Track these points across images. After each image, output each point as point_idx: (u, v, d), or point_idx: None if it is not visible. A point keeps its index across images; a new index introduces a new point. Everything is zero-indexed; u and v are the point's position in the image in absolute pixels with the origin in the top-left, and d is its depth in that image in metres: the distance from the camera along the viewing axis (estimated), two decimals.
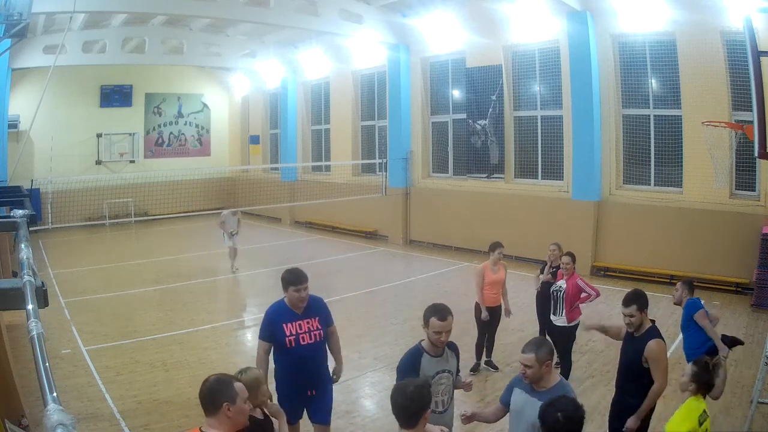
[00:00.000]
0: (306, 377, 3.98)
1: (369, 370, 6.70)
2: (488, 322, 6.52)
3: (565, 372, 5.98)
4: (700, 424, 3.31)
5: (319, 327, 4.03)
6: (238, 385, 2.56)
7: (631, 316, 3.75)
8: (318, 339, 4.02)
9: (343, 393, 5.73)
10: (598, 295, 6.00)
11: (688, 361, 4.66)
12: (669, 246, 10.41)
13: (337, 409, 5.20)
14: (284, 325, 3.91)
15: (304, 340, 3.93)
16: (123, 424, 5.31)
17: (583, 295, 5.95)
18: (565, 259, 6.07)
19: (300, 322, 3.96)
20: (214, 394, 2.48)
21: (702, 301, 5.10)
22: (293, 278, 3.92)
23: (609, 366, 6.38)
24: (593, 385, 6.12)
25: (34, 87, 16.29)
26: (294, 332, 3.91)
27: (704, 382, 3.38)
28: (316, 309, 4.07)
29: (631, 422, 3.68)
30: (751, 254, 9.17)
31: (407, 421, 2.55)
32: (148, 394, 6.01)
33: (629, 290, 3.94)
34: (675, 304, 5.08)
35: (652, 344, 3.71)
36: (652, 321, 3.94)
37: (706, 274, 9.75)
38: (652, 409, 3.84)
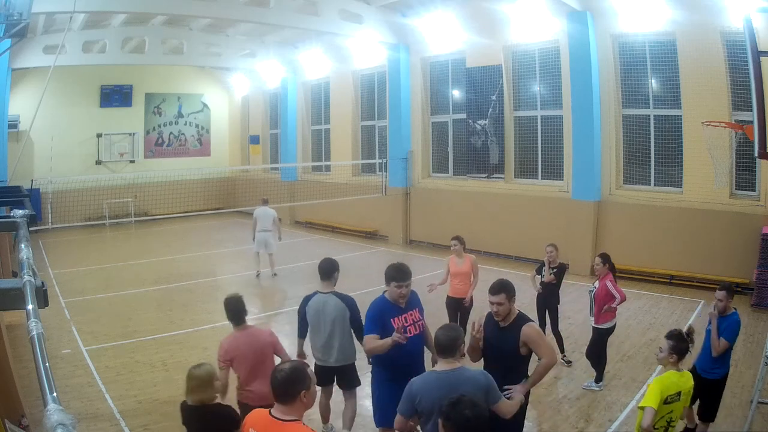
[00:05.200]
0: (410, 369, 3.90)
1: (369, 370, 6.69)
2: (457, 312, 6.86)
3: (599, 373, 6.06)
4: (667, 402, 3.43)
5: (420, 318, 4.12)
6: (310, 371, 2.70)
7: (500, 304, 3.67)
8: (421, 330, 4.10)
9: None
10: (622, 299, 5.91)
11: (703, 374, 4.61)
12: (669, 246, 10.41)
13: (336, 409, 5.21)
14: (392, 319, 3.97)
15: (410, 333, 3.98)
16: (123, 424, 5.31)
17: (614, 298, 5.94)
18: (597, 259, 6.16)
19: (405, 315, 4.04)
20: (294, 384, 2.58)
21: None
22: (396, 274, 3.98)
23: (609, 366, 6.37)
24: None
25: (34, 87, 16.29)
26: (401, 325, 3.95)
27: (684, 350, 3.60)
28: (414, 301, 4.16)
29: (520, 388, 3.64)
30: (751, 254, 9.17)
31: (450, 353, 3.14)
32: (148, 394, 6.01)
33: (495, 280, 3.83)
34: (719, 313, 4.62)
35: (526, 329, 3.68)
36: (518, 309, 3.91)
37: (706, 274, 9.76)
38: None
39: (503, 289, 3.71)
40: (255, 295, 10.64)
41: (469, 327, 5.82)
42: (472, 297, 6.84)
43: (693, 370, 4.73)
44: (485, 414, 2.58)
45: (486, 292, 3.83)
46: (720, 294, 4.64)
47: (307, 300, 4.79)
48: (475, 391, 3.02)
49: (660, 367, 6.46)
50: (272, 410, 2.63)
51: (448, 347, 3.16)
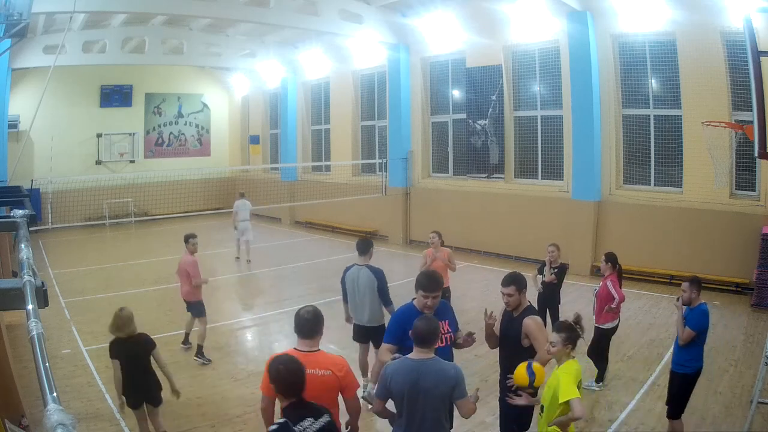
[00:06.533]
0: None
1: (369, 369, 6.69)
2: None
3: (600, 373, 6.06)
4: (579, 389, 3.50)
5: (449, 330, 3.97)
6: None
7: (510, 295, 3.95)
8: (448, 342, 3.94)
9: None
10: (620, 300, 5.95)
11: (674, 367, 4.67)
12: (669, 246, 10.41)
13: None
14: None
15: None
16: (123, 424, 5.31)
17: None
18: (602, 258, 6.23)
19: None
20: (319, 322, 3.35)
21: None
22: (426, 283, 3.82)
23: (609, 366, 6.37)
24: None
25: (34, 87, 16.29)
26: None
27: (577, 338, 3.64)
28: (444, 312, 3.99)
29: None
30: (751, 254, 9.17)
31: (426, 344, 3.21)
32: None
33: (508, 272, 4.14)
34: (684, 304, 4.68)
35: (527, 321, 3.90)
36: (528, 301, 4.11)
37: (706, 274, 9.72)
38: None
39: (513, 281, 3.98)
40: (255, 295, 10.64)
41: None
42: (449, 287, 7.24)
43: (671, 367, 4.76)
44: (300, 369, 2.89)
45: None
46: (684, 285, 4.74)
47: (346, 270, 5.86)
48: (441, 383, 3.13)
49: (662, 365, 6.48)
50: (297, 346, 3.27)
51: (425, 338, 3.20)
